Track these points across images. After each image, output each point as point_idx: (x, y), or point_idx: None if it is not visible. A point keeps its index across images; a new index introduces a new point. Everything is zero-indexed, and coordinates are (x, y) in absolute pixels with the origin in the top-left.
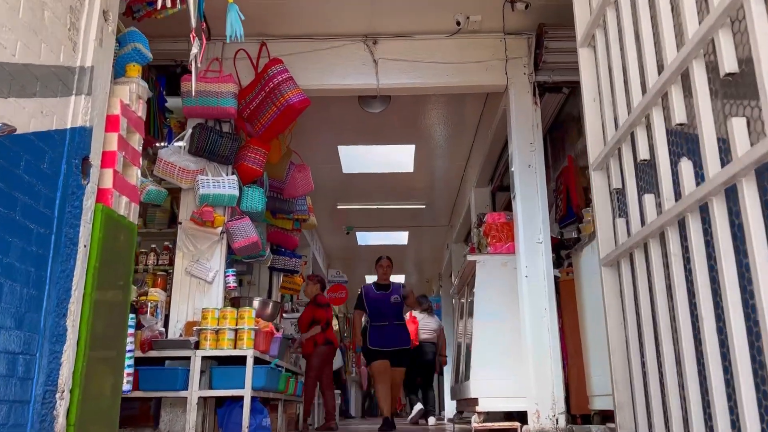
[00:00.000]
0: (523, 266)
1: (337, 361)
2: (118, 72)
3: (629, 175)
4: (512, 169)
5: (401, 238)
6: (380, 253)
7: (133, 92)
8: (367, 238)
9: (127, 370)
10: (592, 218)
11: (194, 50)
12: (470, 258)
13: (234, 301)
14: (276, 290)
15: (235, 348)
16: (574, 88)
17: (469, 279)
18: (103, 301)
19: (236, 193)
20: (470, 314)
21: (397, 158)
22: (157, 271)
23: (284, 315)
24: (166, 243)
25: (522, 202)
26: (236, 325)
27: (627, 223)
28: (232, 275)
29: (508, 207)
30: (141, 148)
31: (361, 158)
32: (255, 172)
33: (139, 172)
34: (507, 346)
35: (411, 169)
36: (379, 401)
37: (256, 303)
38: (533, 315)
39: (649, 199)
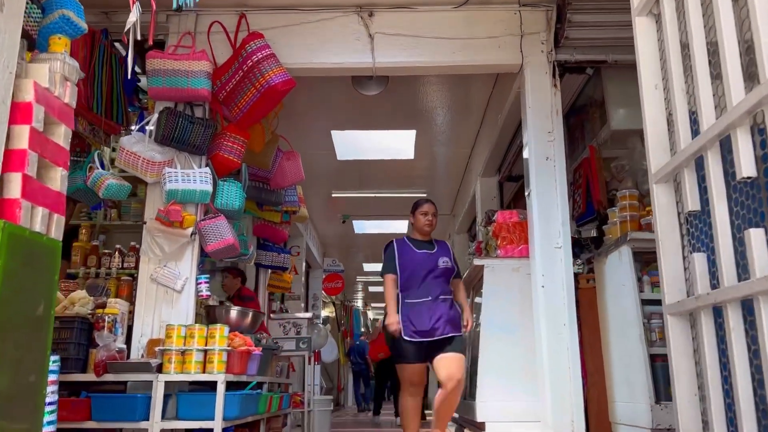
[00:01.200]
0: (539, 274)
1: (333, 354)
2: (43, 46)
3: (717, 196)
4: (527, 161)
5: (401, 226)
6: (378, 241)
7: (56, 72)
8: (364, 227)
9: (46, 429)
10: (658, 236)
11: (132, 18)
12: (477, 262)
13: (209, 310)
14: (263, 288)
15: (204, 371)
16: (599, 68)
17: (475, 282)
18: (8, 348)
19: (209, 188)
20: (475, 322)
21: (396, 144)
22: (121, 275)
23: (272, 316)
24: (133, 243)
25: (538, 200)
26: (206, 345)
27: (710, 261)
28: (205, 282)
29: (516, 198)
30: (68, 142)
31: (356, 144)
32: (232, 163)
33: (65, 173)
34: (519, 364)
35: (411, 156)
36: (402, 420)
37: (233, 313)
38: (550, 331)
39: (756, 235)
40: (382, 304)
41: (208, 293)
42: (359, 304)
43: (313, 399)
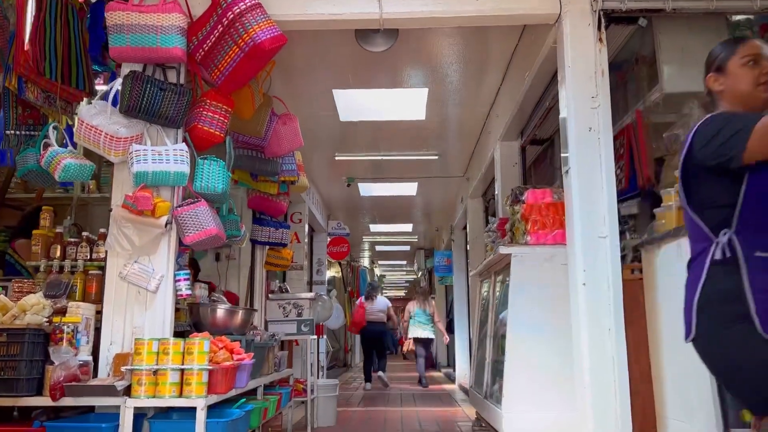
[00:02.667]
0: (579, 269)
1: (339, 320)
2: None
3: None
4: (564, 132)
5: (409, 189)
6: (386, 203)
7: None
8: (370, 189)
9: None
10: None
11: None
12: (503, 250)
13: (192, 308)
14: (260, 266)
15: (181, 394)
16: (650, 18)
17: (498, 269)
18: None
19: (185, 168)
20: (503, 306)
21: (406, 104)
22: (89, 268)
23: (270, 296)
24: (103, 230)
25: (579, 180)
26: (183, 362)
27: None
28: (185, 279)
29: (537, 162)
30: None
31: (361, 104)
32: (213, 137)
33: None
34: (553, 371)
35: (422, 117)
36: None
37: (220, 313)
38: (593, 336)
39: None
40: (390, 262)
41: (189, 291)
42: (365, 262)
43: (317, 385)
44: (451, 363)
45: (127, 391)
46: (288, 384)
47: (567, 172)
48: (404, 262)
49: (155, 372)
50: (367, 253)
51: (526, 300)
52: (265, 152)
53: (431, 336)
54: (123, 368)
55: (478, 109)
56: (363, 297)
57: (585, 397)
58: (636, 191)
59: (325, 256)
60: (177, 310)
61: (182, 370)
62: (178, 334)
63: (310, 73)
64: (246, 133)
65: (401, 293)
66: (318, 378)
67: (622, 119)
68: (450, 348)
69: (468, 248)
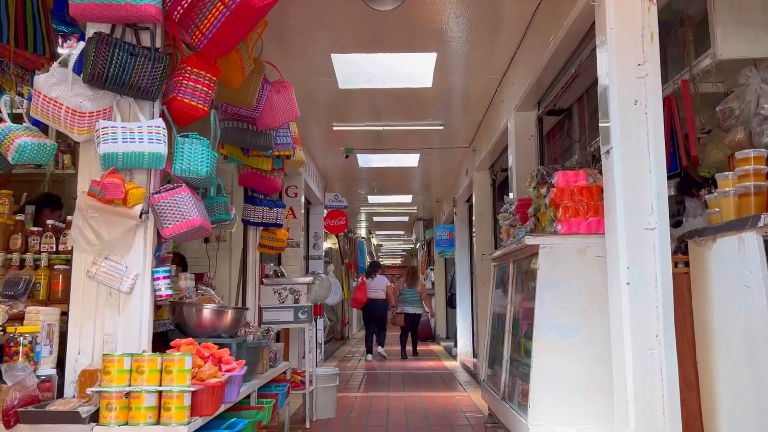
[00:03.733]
0: (621, 266)
1: (337, 295)
2: None
3: None
4: (605, 106)
5: (411, 160)
6: (386, 174)
7: None
8: (369, 160)
9: None
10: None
11: None
12: (530, 241)
13: (175, 307)
14: (252, 249)
15: (158, 420)
16: None
17: (520, 258)
18: None
19: (162, 148)
20: (523, 298)
21: (411, 70)
22: (55, 262)
23: (265, 281)
24: (71, 217)
25: (623, 162)
26: (160, 382)
27: None
28: (165, 277)
29: (552, 133)
30: None
31: (362, 70)
32: (196, 110)
33: None
34: (587, 380)
35: (429, 84)
36: None
37: (206, 314)
38: (638, 343)
39: None
40: (387, 232)
41: (169, 292)
42: (362, 232)
43: (316, 375)
44: (450, 336)
45: (95, 417)
46: (285, 378)
47: (608, 152)
48: (402, 232)
49: (128, 394)
50: (364, 224)
51: (555, 297)
52: (257, 124)
53: (418, 312)
54: (89, 390)
55: (491, 76)
56: (364, 275)
57: (628, 411)
58: (675, 170)
59: (322, 229)
60: (158, 307)
61: (160, 392)
62: (159, 335)
63: (307, 35)
64: (235, 103)
65: (398, 261)
66: (316, 358)
67: (665, 89)
68: (450, 321)
69: (473, 221)
